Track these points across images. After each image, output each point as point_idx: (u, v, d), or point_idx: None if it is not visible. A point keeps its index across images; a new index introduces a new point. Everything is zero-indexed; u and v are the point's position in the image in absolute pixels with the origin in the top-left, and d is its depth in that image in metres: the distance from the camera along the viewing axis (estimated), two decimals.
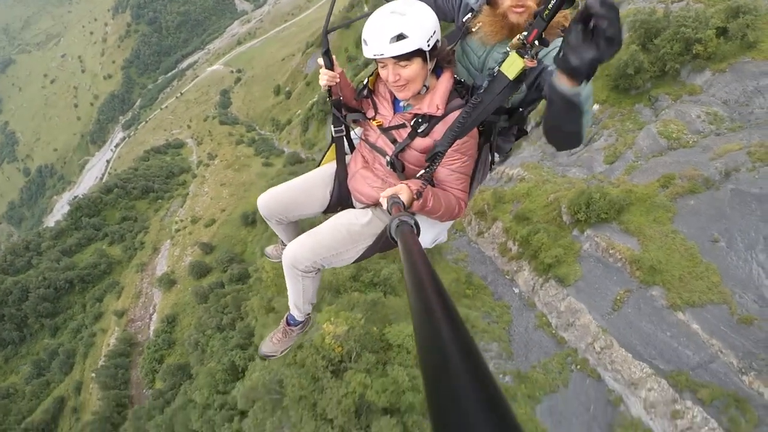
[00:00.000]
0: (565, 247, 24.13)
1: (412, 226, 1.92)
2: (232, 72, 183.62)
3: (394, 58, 2.67)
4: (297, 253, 3.20)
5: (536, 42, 2.40)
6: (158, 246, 77.43)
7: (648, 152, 26.00)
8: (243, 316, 39.65)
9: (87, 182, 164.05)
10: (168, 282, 63.28)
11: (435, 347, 0.71)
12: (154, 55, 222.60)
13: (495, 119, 2.95)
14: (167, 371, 45.05)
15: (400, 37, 2.59)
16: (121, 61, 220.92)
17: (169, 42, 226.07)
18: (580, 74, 1.96)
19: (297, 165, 75.47)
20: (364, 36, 2.70)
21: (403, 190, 2.60)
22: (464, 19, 3.08)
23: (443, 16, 3.28)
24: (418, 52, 2.67)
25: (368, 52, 2.69)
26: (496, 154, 3.33)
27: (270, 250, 4.75)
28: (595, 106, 30.73)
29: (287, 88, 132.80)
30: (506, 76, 2.56)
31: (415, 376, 19.15)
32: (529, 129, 3.43)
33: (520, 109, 3.03)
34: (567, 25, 2.49)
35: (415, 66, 2.72)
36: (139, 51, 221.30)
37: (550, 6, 2.20)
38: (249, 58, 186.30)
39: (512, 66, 2.52)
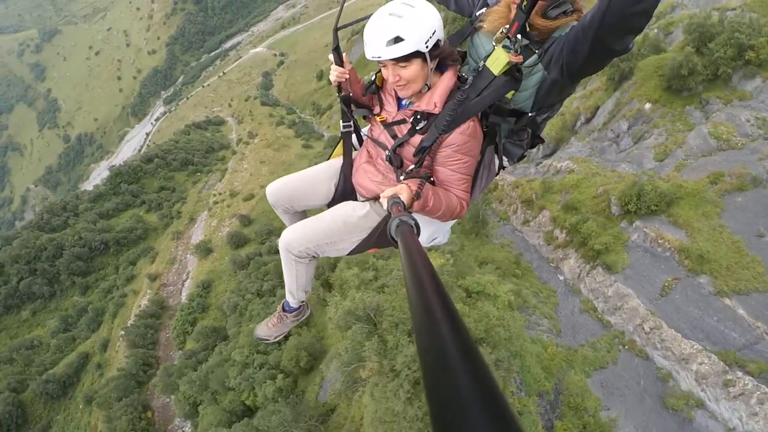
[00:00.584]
0: (614, 237, 25.03)
1: (412, 227, 1.94)
2: (275, 55, 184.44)
3: (392, 60, 2.67)
4: (292, 237, 3.25)
5: (519, 36, 2.44)
6: (195, 216, 77.97)
7: (698, 151, 27.07)
8: (284, 284, 39.49)
9: (125, 153, 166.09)
10: (205, 249, 63.68)
11: (435, 347, 0.71)
12: (199, 33, 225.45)
13: (499, 120, 2.90)
14: (201, 332, 45.55)
15: (397, 39, 2.58)
16: (165, 38, 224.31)
17: (215, 22, 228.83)
18: None
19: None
20: (364, 37, 2.71)
21: (404, 190, 2.60)
22: (477, 13, 3.04)
23: (461, 11, 3.30)
24: (417, 54, 2.66)
25: (367, 54, 2.71)
26: (505, 159, 3.22)
27: None
28: (647, 105, 30.86)
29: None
30: (491, 71, 2.60)
31: (501, 317, 19.94)
32: (544, 136, 3.32)
33: (530, 114, 2.94)
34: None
35: (414, 67, 2.71)
36: (185, 29, 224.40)
37: None
38: (292, 42, 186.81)
39: (497, 61, 2.56)
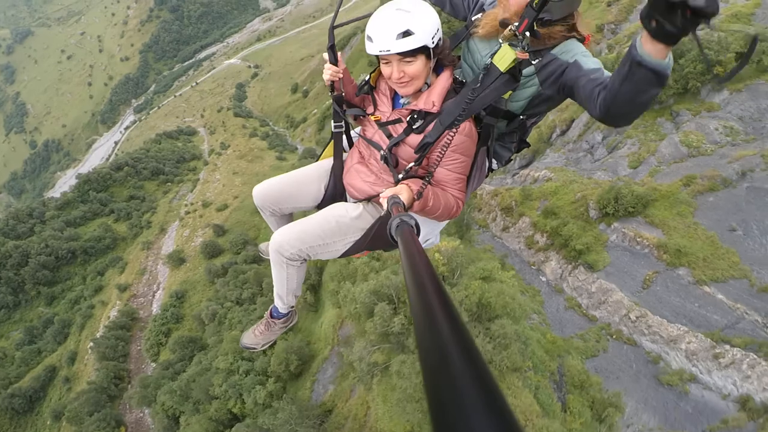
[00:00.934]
0: (594, 237, 26.38)
1: (412, 227, 1.95)
2: (249, 67, 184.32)
3: (399, 54, 2.70)
4: (284, 239, 3.18)
5: (527, 33, 2.43)
6: (165, 227, 76.71)
7: (670, 158, 28.50)
8: (265, 292, 39.24)
9: (93, 161, 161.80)
10: (177, 260, 62.74)
11: (435, 347, 0.71)
12: (173, 42, 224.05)
13: (492, 121, 2.95)
14: (178, 343, 44.80)
15: (407, 33, 2.62)
16: (139, 45, 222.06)
17: (190, 31, 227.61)
18: (677, 39, 1.81)
19: (313, 159, 75.69)
20: (368, 33, 2.73)
21: (404, 190, 2.62)
22: (473, 18, 3.07)
23: (455, 14, 3.34)
24: (423, 49, 2.71)
25: (373, 48, 2.72)
26: (494, 161, 3.29)
27: (264, 246, 4.46)
28: None
29: (305, 87, 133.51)
30: (497, 68, 2.60)
31: (512, 294, 21.09)
32: (530, 141, 3.42)
33: (521, 117, 3.02)
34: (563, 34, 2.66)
35: (419, 63, 2.76)
36: (159, 37, 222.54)
37: None
38: (267, 55, 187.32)
39: (504, 58, 2.56)
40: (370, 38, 2.72)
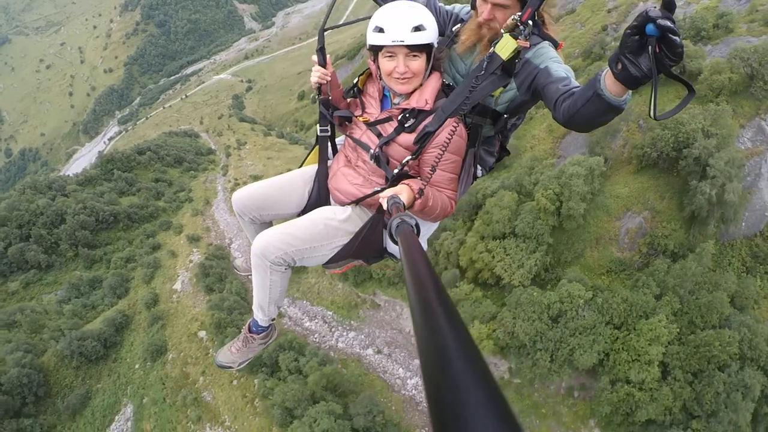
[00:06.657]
0: None
1: (412, 227, 1.99)
2: (241, 81, 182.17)
3: (408, 47, 2.79)
4: (269, 242, 3.09)
5: (530, 21, 2.57)
6: (210, 201, 73.34)
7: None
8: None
9: (73, 171, 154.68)
10: None
11: (435, 347, 0.72)
12: (159, 56, 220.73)
13: (480, 122, 3.05)
14: None
15: (420, 28, 2.75)
16: (124, 58, 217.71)
17: (176, 47, 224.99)
18: (638, 83, 1.99)
19: None
20: (379, 24, 2.79)
21: (404, 191, 2.67)
22: (453, 29, 3.21)
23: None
24: (428, 48, 2.87)
25: (384, 39, 2.78)
26: (479, 168, 3.31)
27: (240, 262, 4.60)
28: None
29: (312, 95, 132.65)
30: (499, 57, 2.68)
31: None
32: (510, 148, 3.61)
33: (506, 116, 3.12)
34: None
35: (421, 60, 2.87)
36: (145, 50, 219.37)
37: None
38: (258, 71, 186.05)
39: (505, 47, 2.66)
40: (380, 29, 2.78)
